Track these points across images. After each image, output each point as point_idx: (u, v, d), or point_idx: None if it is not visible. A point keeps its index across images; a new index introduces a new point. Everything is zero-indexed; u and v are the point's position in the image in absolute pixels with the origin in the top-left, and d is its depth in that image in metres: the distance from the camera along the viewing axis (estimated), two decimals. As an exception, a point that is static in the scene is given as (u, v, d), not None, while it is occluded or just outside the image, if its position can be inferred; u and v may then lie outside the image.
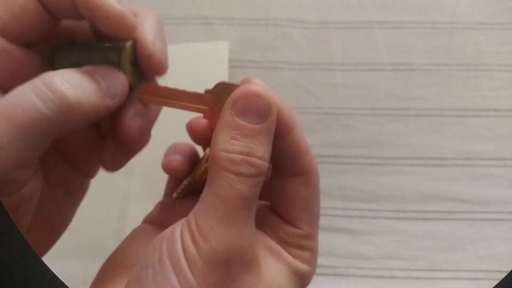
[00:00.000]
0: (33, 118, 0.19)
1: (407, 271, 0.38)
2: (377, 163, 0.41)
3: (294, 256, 0.24)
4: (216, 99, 0.23)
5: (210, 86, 0.26)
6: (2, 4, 0.21)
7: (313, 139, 0.42)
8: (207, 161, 0.23)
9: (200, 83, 0.24)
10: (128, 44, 0.22)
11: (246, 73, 0.44)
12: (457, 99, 0.43)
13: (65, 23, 0.24)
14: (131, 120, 0.23)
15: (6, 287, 0.19)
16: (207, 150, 0.25)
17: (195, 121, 0.26)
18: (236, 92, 0.21)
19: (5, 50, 0.21)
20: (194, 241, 0.20)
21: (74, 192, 0.27)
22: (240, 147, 0.21)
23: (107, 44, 0.23)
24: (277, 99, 0.23)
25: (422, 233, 0.39)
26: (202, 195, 0.21)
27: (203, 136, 0.26)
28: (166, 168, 0.26)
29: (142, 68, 0.23)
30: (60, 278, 0.21)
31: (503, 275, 0.28)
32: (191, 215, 0.21)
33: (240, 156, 0.20)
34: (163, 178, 0.29)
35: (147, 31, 0.23)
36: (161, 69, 0.23)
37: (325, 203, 0.40)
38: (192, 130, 0.26)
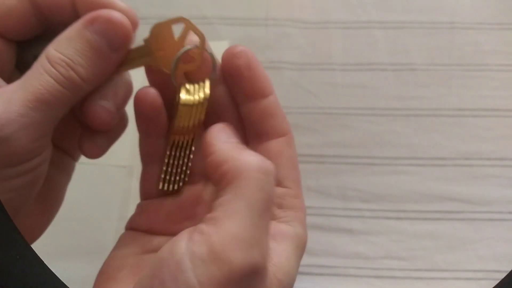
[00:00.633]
0: (52, 95, 0.20)
1: (407, 271, 0.38)
2: (377, 163, 0.41)
3: (291, 221, 0.23)
4: (156, 44, 0.23)
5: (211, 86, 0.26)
6: None
7: (313, 139, 0.42)
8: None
9: (200, 83, 0.25)
10: None
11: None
12: (457, 99, 0.43)
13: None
14: (96, 102, 0.22)
15: (6, 287, 0.19)
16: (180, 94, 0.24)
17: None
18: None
19: None
20: (216, 259, 0.18)
21: (61, 170, 0.26)
22: (255, 157, 0.22)
23: None
24: (259, 62, 0.24)
25: (422, 233, 0.39)
26: (223, 205, 0.20)
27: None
28: (141, 98, 0.24)
29: None
30: (60, 278, 0.21)
31: (503, 275, 0.28)
32: (209, 228, 0.20)
33: (261, 163, 0.21)
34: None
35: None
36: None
37: (325, 203, 0.40)
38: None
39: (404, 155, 0.42)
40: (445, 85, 0.44)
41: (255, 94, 0.24)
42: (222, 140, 0.23)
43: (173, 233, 0.21)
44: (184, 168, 0.25)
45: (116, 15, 0.21)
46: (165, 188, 0.25)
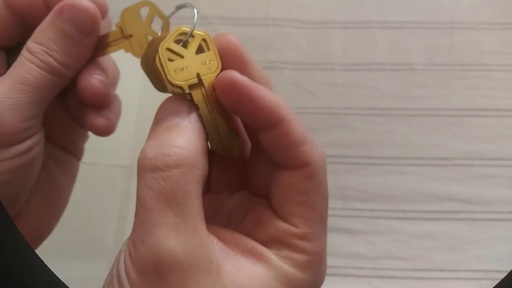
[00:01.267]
0: (35, 78, 0.22)
1: (407, 271, 0.38)
2: (377, 163, 0.41)
3: (286, 258, 0.20)
4: (126, 28, 0.24)
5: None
6: None
7: (313, 139, 0.42)
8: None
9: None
10: None
11: (246, 73, 0.44)
12: (457, 99, 0.43)
13: None
14: (90, 75, 0.24)
15: (6, 287, 0.19)
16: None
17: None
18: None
19: None
20: (129, 252, 0.19)
21: (65, 169, 0.27)
22: (154, 141, 0.19)
23: None
24: (255, 89, 0.21)
25: (422, 233, 0.39)
26: None
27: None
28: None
29: None
30: (60, 278, 0.21)
31: (503, 275, 0.28)
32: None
33: (155, 149, 0.19)
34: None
35: None
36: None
37: (325, 203, 0.40)
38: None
39: (404, 155, 0.42)
40: (445, 85, 0.44)
41: (259, 126, 0.22)
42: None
43: None
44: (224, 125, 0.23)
45: (81, 2, 0.23)
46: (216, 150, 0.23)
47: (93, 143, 0.41)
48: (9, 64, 0.24)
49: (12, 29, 0.24)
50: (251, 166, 0.24)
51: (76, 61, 0.23)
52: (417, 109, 0.43)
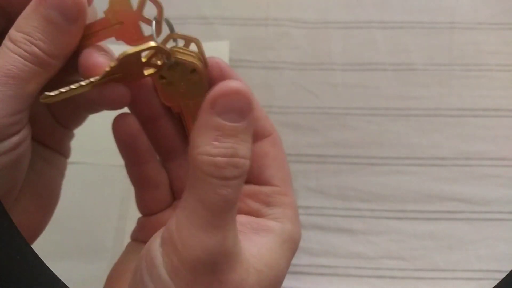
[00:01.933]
0: (20, 70, 0.21)
1: (407, 271, 0.38)
2: (377, 163, 0.41)
3: (281, 218, 0.24)
4: (115, 15, 0.23)
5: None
6: None
7: (313, 139, 0.42)
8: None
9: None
10: None
11: (246, 73, 0.44)
12: (457, 99, 0.43)
13: None
14: (92, 54, 0.23)
15: (6, 287, 0.19)
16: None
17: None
18: (216, 90, 0.20)
19: None
20: (176, 250, 0.20)
21: (53, 166, 0.27)
22: (224, 149, 0.20)
23: None
24: (233, 70, 0.24)
25: (422, 233, 0.39)
26: (182, 202, 0.21)
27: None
28: (118, 127, 0.24)
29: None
30: (60, 278, 0.21)
31: (503, 275, 0.28)
32: (171, 224, 0.20)
33: (225, 159, 0.20)
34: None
35: None
36: None
37: (325, 203, 0.40)
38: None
39: (404, 155, 0.42)
40: (445, 85, 0.44)
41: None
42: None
43: None
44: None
45: None
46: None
47: (93, 143, 0.41)
48: None
49: None
50: None
51: (63, 50, 0.22)
52: (417, 109, 0.43)
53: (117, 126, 0.25)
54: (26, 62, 0.21)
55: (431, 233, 0.39)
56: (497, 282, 0.26)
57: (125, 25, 0.23)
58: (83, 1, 0.22)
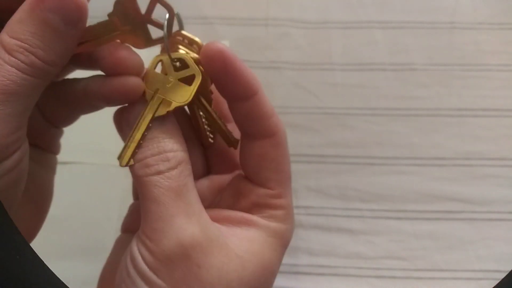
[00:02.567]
0: (18, 85, 0.19)
1: (407, 271, 0.38)
2: (377, 163, 0.41)
3: (269, 217, 0.24)
4: (121, 19, 0.22)
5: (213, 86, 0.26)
6: None
7: (313, 139, 0.42)
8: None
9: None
10: None
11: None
12: (457, 99, 0.43)
13: None
14: (118, 47, 0.22)
15: (6, 287, 0.19)
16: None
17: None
18: None
19: None
20: (147, 247, 0.21)
21: (44, 166, 0.26)
22: (149, 150, 0.21)
23: None
24: (238, 61, 0.23)
25: (422, 233, 0.39)
26: (140, 207, 0.22)
27: None
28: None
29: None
30: (60, 278, 0.21)
31: (503, 275, 0.28)
32: (140, 226, 0.22)
33: (154, 157, 0.21)
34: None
35: None
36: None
37: (325, 203, 0.40)
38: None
39: (404, 155, 0.42)
40: (445, 85, 0.44)
41: (236, 96, 0.24)
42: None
43: None
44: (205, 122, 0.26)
45: None
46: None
47: (93, 143, 0.41)
48: None
49: None
50: (216, 149, 0.27)
51: (62, 57, 0.20)
52: (417, 109, 0.43)
53: (118, 117, 0.24)
54: (24, 75, 0.19)
55: (431, 233, 0.39)
56: (497, 282, 0.26)
57: (133, 28, 0.22)
58: (84, 2, 0.20)
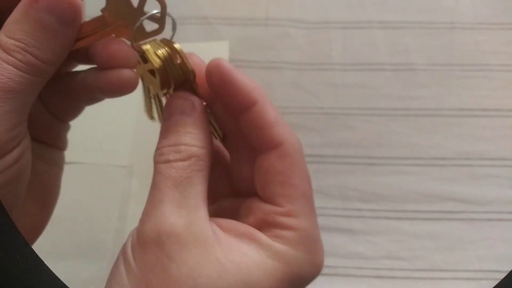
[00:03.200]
0: (16, 83, 0.19)
1: (407, 271, 0.38)
2: (377, 163, 0.41)
3: (274, 236, 0.22)
4: (114, 13, 0.22)
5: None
6: None
7: (313, 139, 0.42)
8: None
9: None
10: None
11: (246, 73, 0.44)
12: (457, 99, 0.43)
13: None
14: (120, 42, 0.22)
15: (6, 287, 0.19)
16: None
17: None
18: None
19: None
20: (136, 229, 0.21)
21: (51, 163, 0.26)
22: (167, 141, 0.22)
23: None
24: (235, 72, 0.23)
25: (422, 233, 0.39)
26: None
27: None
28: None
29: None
30: (60, 278, 0.21)
31: (503, 275, 0.28)
32: None
33: (168, 148, 0.22)
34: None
35: None
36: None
37: (325, 203, 0.40)
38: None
39: (404, 155, 0.42)
40: (445, 85, 0.44)
41: (237, 107, 0.23)
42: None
43: None
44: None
45: None
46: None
47: (93, 143, 0.41)
48: None
49: None
50: (234, 168, 0.26)
51: (59, 54, 0.21)
52: (417, 109, 0.43)
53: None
54: (22, 73, 0.19)
55: (431, 233, 0.39)
56: (497, 282, 0.26)
57: (126, 23, 0.22)
58: (78, 2, 0.20)
